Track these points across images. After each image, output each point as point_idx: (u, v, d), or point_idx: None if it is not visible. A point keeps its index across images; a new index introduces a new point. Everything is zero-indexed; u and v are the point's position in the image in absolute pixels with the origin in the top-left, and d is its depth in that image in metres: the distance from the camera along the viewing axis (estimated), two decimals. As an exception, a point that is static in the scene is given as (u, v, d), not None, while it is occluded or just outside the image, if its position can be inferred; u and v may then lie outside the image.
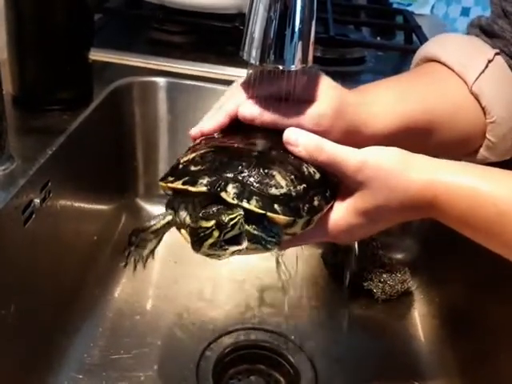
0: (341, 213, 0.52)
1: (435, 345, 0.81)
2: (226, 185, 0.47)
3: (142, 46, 1.03)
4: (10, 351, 0.63)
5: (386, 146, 0.51)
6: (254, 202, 0.46)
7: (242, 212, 0.46)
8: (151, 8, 1.05)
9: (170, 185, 0.50)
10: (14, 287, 0.62)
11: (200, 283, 0.86)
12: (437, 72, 0.67)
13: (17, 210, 0.61)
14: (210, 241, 0.46)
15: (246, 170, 0.48)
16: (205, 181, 0.47)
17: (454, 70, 0.65)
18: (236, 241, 0.47)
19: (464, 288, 0.82)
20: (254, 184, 0.47)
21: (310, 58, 0.52)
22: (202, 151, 0.51)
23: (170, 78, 0.92)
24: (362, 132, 0.58)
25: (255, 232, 0.47)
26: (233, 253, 0.47)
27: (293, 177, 0.49)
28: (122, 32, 1.08)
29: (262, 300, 0.85)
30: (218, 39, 1.04)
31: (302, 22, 0.50)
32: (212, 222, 0.45)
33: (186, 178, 0.49)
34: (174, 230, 0.53)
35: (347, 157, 0.50)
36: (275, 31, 0.50)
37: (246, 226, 0.47)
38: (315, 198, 0.49)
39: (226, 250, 0.47)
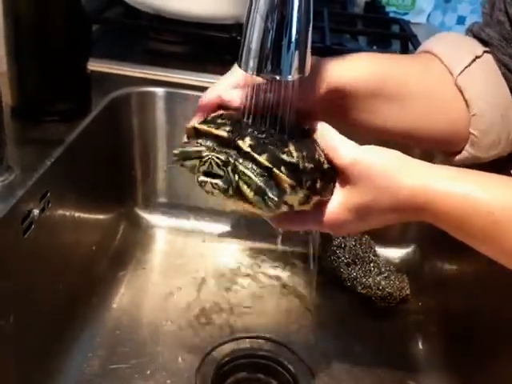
0: (334, 205, 0.53)
1: (434, 352, 0.81)
2: (245, 136, 0.50)
3: (139, 56, 1.03)
4: (8, 361, 0.63)
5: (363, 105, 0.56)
6: (264, 156, 0.49)
7: (214, 158, 0.49)
8: (149, 18, 1.06)
9: (196, 125, 0.53)
10: (12, 297, 0.62)
11: (198, 292, 0.86)
12: (426, 59, 0.68)
13: (16, 221, 0.62)
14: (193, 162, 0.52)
15: (265, 134, 0.52)
16: (227, 128, 0.52)
17: (442, 62, 0.66)
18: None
19: (462, 294, 0.82)
20: (269, 146, 0.50)
21: (307, 67, 0.52)
22: (228, 112, 0.56)
23: (168, 88, 0.92)
24: (338, 89, 0.61)
25: (261, 184, 0.49)
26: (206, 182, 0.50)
27: (304, 154, 0.51)
28: (120, 42, 1.08)
29: (260, 309, 0.85)
30: (215, 49, 1.04)
31: (298, 31, 0.50)
32: (202, 149, 0.51)
33: (212, 124, 0.53)
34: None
35: (345, 147, 0.52)
36: (272, 41, 0.50)
37: (245, 175, 0.49)
38: (318, 181, 0.52)
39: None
